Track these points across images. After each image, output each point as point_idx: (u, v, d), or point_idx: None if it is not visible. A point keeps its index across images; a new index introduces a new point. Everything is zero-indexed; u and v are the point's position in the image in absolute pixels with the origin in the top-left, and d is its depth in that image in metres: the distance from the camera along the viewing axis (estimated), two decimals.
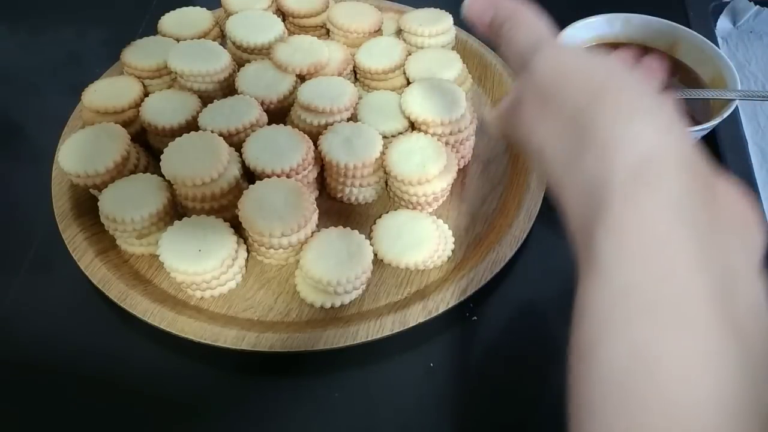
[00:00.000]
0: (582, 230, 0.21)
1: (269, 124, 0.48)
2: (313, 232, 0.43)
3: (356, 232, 0.44)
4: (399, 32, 0.58)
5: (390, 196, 0.50)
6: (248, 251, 0.46)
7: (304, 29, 0.59)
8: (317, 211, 0.44)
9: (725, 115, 0.47)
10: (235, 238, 0.43)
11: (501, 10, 0.29)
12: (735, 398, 0.17)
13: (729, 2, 0.68)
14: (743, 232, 0.21)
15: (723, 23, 0.68)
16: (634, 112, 0.21)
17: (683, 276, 0.18)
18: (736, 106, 0.49)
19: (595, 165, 0.21)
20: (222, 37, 0.59)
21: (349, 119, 0.49)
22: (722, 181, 0.23)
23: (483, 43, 0.62)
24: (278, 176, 0.44)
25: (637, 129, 0.21)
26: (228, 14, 0.57)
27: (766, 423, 0.17)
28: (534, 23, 0.28)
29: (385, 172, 0.48)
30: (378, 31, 0.57)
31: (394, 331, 0.40)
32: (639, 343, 0.18)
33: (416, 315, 0.41)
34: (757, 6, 0.68)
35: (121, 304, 0.41)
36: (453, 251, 0.46)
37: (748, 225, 0.22)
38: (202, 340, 0.40)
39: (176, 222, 0.43)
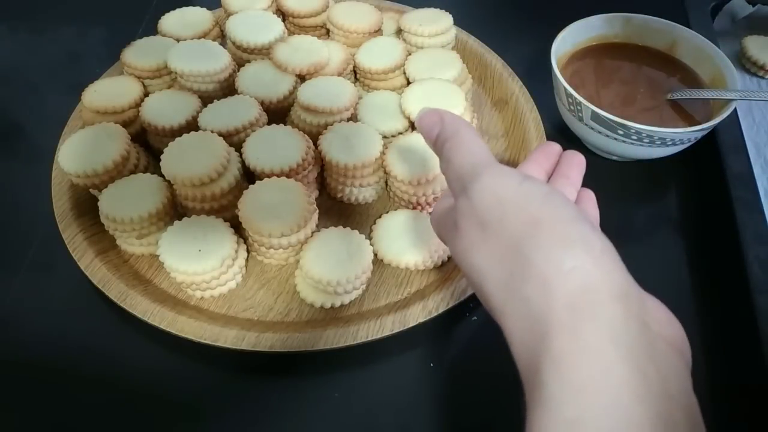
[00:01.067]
0: (526, 358, 0.22)
1: (269, 124, 0.48)
2: (312, 232, 0.43)
3: (356, 232, 0.44)
4: (399, 32, 0.58)
5: (390, 196, 0.50)
6: (248, 251, 0.46)
7: (304, 29, 0.59)
8: (317, 210, 0.44)
9: (725, 115, 0.47)
10: (235, 238, 0.43)
11: (445, 128, 0.29)
12: None
13: (727, 2, 0.69)
14: (676, 352, 0.23)
15: (720, 22, 0.68)
16: (569, 244, 0.22)
17: (626, 407, 0.19)
18: (736, 107, 0.49)
19: (535, 296, 0.22)
20: (222, 37, 0.59)
21: (349, 119, 0.49)
22: (652, 303, 0.24)
23: (483, 43, 0.62)
24: (278, 176, 0.44)
25: (571, 262, 0.22)
26: (228, 14, 0.57)
27: None
28: (474, 146, 0.27)
29: (385, 172, 0.48)
30: (378, 31, 0.57)
31: (394, 331, 0.40)
32: None
33: (416, 315, 0.41)
34: (756, 5, 0.68)
35: (121, 304, 0.41)
36: None
37: (679, 343, 0.23)
38: (202, 340, 0.40)
39: (176, 222, 0.43)
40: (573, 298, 0.21)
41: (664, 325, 0.23)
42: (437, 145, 0.29)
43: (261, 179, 0.45)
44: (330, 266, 0.41)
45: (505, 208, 0.24)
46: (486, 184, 0.25)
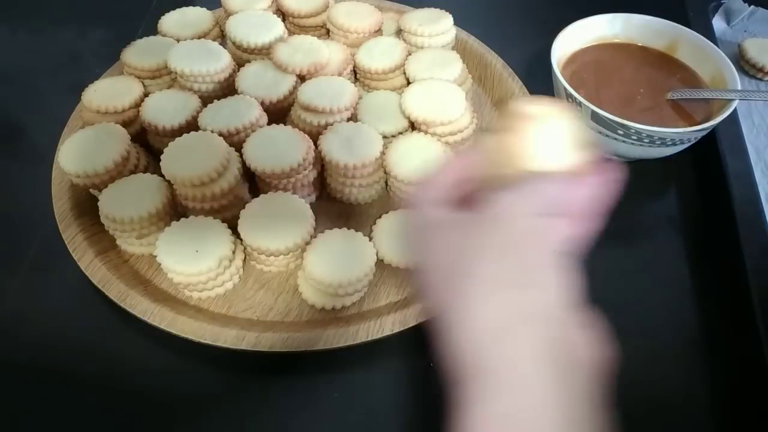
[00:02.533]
0: (458, 367, 0.26)
1: (269, 124, 0.48)
2: (312, 236, 0.43)
3: (359, 234, 0.44)
4: (399, 32, 0.58)
5: (390, 196, 0.50)
6: (245, 259, 0.46)
7: (304, 29, 0.59)
8: (314, 216, 0.44)
9: (725, 115, 0.47)
10: (232, 238, 0.43)
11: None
12: None
13: (726, 2, 0.69)
14: (592, 362, 0.26)
15: (717, 23, 0.68)
16: (513, 276, 0.26)
17: (543, 407, 0.24)
18: (736, 107, 0.49)
19: (470, 309, 0.26)
20: (222, 37, 0.59)
21: (349, 119, 0.49)
22: (575, 326, 0.27)
23: (483, 43, 0.62)
24: (278, 176, 0.44)
25: (504, 291, 0.26)
26: (228, 14, 0.57)
27: None
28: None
29: (385, 172, 0.48)
30: (378, 31, 0.57)
31: (394, 331, 0.40)
32: None
33: (416, 315, 0.41)
34: (752, 6, 0.68)
35: (121, 304, 0.41)
36: None
37: (595, 361, 0.26)
38: (202, 340, 0.40)
39: (174, 223, 0.43)
40: (505, 320, 0.25)
41: (581, 344, 0.26)
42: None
43: (261, 179, 0.45)
44: (333, 269, 0.41)
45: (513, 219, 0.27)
46: (509, 202, 0.28)
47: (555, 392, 0.24)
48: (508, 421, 0.24)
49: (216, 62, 0.51)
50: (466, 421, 0.25)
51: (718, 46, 0.53)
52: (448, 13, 0.57)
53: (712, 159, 0.52)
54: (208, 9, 0.60)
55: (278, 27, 0.55)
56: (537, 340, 0.25)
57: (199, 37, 0.56)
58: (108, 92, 0.50)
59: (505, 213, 0.28)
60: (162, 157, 0.43)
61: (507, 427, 0.24)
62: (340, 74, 0.53)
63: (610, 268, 0.47)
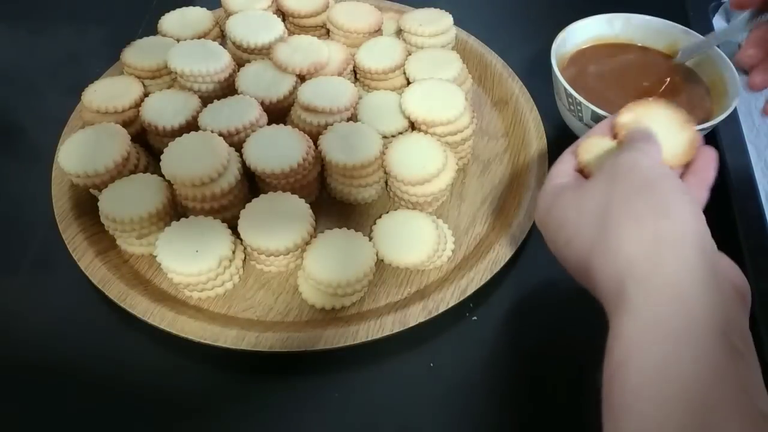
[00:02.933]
0: (612, 280, 0.28)
1: (269, 124, 0.48)
2: (312, 236, 0.43)
3: (359, 234, 0.44)
4: (399, 32, 0.58)
5: (390, 196, 0.50)
6: (245, 259, 0.46)
7: (304, 29, 0.59)
8: (314, 216, 0.44)
9: (725, 114, 0.47)
10: (232, 238, 0.43)
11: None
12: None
13: (726, 2, 0.69)
14: (738, 294, 0.28)
15: (717, 23, 0.68)
16: (670, 201, 0.30)
17: (696, 317, 0.25)
18: (736, 107, 0.49)
19: (629, 231, 0.29)
20: (222, 37, 0.59)
21: (349, 119, 0.49)
22: (725, 260, 0.30)
23: (483, 43, 0.62)
24: (278, 176, 0.44)
25: (670, 210, 0.29)
26: (228, 14, 0.57)
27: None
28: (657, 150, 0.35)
29: (385, 172, 0.48)
30: (378, 31, 0.57)
31: (394, 331, 0.40)
32: (663, 358, 0.25)
33: (416, 315, 0.41)
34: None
35: (121, 304, 0.41)
36: (453, 251, 0.46)
37: (743, 291, 0.29)
38: (202, 340, 0.40)
39: (173, 223, 0.43)
40: (664, 234, 0.28)
41: (732, 275, 0.29)
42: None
43: (261, 179, 0.44)
44: (333, 269, 0.41)
45: (633, 171, 0.31)
46: (633, 155, 0.33)
47: (710, 301, 0.26)
48: (662, 326, 0.25)
49: (216, 62, 0.51)
50: (622, 331, 0.26)
51: (718, 46, 0.53)
52: (448, 13, 0.57)
53: None
54: (208, 9, 0.60)
55: (278, 27, 0.55)
56: (688, 256, 0.27)
57: (199, 37, 0.56)
58: (108, 92, 0.50)
59: (633, 164, 0.32)
60: (162, 157, 0.43)
61: (661, 332, 0.25)
62: (340, 74, 0.53)
63: None
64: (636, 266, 0.27)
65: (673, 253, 0.27)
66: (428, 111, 0.48)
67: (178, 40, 0.54)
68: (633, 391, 0.25)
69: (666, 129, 0.37)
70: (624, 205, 0.30)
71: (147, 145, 0.51)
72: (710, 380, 0.24)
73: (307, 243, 0.43)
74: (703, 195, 0.37)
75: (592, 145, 0.38)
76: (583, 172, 0.38)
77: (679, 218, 0.28)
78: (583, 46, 0.57)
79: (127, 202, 0.43)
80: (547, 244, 0.36)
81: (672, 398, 0.24)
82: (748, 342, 0.26)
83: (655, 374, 0.25)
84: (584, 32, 0.56)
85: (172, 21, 0.57)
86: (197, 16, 0.58)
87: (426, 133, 0.48)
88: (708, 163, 0.37)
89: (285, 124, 0.48)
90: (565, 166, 0.38)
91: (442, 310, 0.41)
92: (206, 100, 0.49)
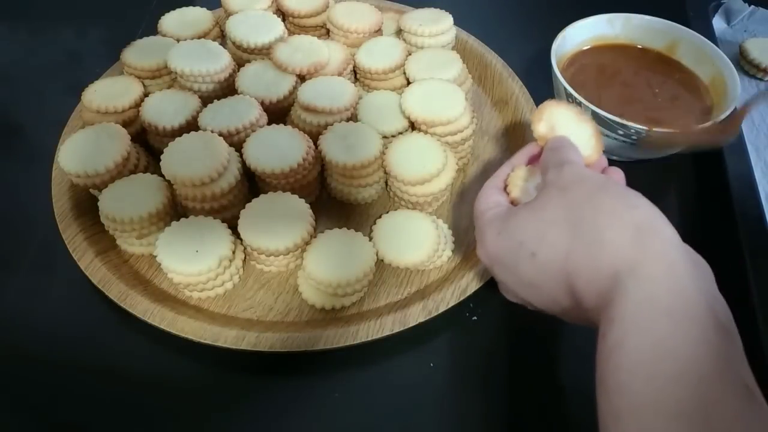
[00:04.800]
0: (597, 278, 0.29)
1: (269, 124, 0.48)
2: (312, 236, 0.43)
3: (359, 234, 0.44)
4: (399, 32, 0.58)
5: (390, 196, 0.50)
6: (245, 259, 0.46)
7: (304, 29, 0.59)
8: (314, 216, 0.44)
9: (725, 115, 0.47)
10: (232, 238, 0.43)
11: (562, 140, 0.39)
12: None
13: (726, 2, 0.69)
14: (706, 265, 0.30)
15: (717, 23, 0.68)
16: (631, 194, 0.31)
17: (689, 293, 0.26)
18: (736, 107, 0.49)
19: (606, 224, 0.30)
20: (222, 37, 0.59)
21: (349, 119, 0.49)
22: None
23: (483, 43, 0.62)
24: (278, 176, 0.44)
25: (636, 201, 0.31)
26: (228, 14, 0.57)
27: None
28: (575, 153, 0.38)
29: (385, 172, 0.48)
30: (378, 31, 0.57)
31: (394, 331, 0.40)
32: (659, 336, 0.25)
33: (416, 315, 0.41)
34: (752, 6, 0.68)
35: (121, 304, 0.41)
36: (453, 251, 0.46)
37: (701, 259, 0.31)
38: (202, 340, 0.40)
39: (173, 223, 0.43)
40: (640, 222, 0.29)
41: (693, 251, 0.31)
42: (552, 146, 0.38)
43: (261, 179, 0.44)
44: (333, 269, 0.41)
45: (584, 179, 0.33)
46: (575, 167, 0.35)
47: (696, 277, 0.27)
48: (656, 304, 0.26)
49: (216, 62, 0.51)
50: (615, 315, 0.27)
51: (718, 46, 0.53)
52: (448, 13, 0.57)
53: (712, 159, 0.52)
54: (208, 9, 0.60)
55: (278, 27, 0.55)
56: (669, 237, 0.28)
57: (199, 37, 0.56)
58: (108, 92, 0.50)
59: (577, 173, 0.33)
60: (162, 157, 0.43)
61: (656, 310, 0.26)
62: (340, 74, 0.53)
63: None
64: (624, 254, 0.28)
65: (655, 237, 0.28)
66: (428, 111, 0.48)
67: (178, 40, 0.54)
68: (629, 370, 0.25)
69: (573, 127, 0.40)
70: (590, 205, 0.31)
71: (147, 145, 0.51)
72: (705, 356, 0.24)
73: (307, 243, 0.43)
74: None
75: (516, 179, 0.40)
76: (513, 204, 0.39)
77: (646, 207, 0.30)
78: (584, 47, 0.57)
79: (127, 202, 0.43)
80: (501, 278, 0.35)
81: (669, 375, 0.24)
82: (728, 314, 0.27)
83: (651, 352, 0.25)
84: (584, 32, 0.56)
85: (172, 21, 0.57)
86: (197, 16, 0.58)
87: (426, 133, 0.48)
88: (618, 176, 0.39)
89: (285, 124, 0.48)
90: (496, 197, 0.38)
91: (442, 310, 0.41)
92: (206, 100, 0.49)
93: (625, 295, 0.27)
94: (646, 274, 0.27)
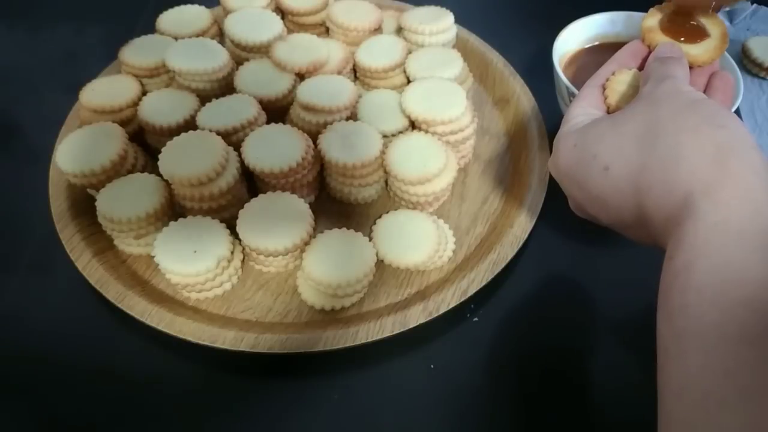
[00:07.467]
0: (668, 197, 0.28)
1: (268, 123, 0.48)
2: (312, 236, 0.43)
3: (359, 234, 0.43)
4: (399, 30, 0.57)
5: (390, 196, 0.50)
6: (244, 260, 0.45)
7: (303, 27, 0.58)
8: (313, 216, 0.43)
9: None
10: (231, 239, 0.43)
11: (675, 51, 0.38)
12: None
13: None
14: None
15: None
16: (721, 112, 0.30)
17: (766, 218, 0.25)
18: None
19: (687, 140, 0.28)
20: (220, 36, 0.58)
21: (348, 118, 0.49)
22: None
23: (484, 41, 0.61)
24: (278, 176, 0.44)
25: (722, 121, 0.29)
26: (227, 12, 0.57)
27: None
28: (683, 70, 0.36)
29: (385, 172, 0.47)
30: (378, 30, 0.57)
31: (394, 332, 0.40)
32: (731, 261, 0.24)
33: (416, 316, 0.41)
34: (754, 4, 0.68)
35: (119, 305, 0.41)
36: (453, 251, 0.46)
37: None
38: (201, 341, 0.39)
39: (171, 223, 0.43)
40: (723, 142, 0.28)
41: None
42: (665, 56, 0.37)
43: (260, 179, 0.44)
44: (333, 269, 0.41)
45: (677, 95, 0.32)
46: (676, 82, 0.33)
47: None
48: (729, 228, 0.25)
49: (214, 61, 0.50)
50: (686, 237, 0.26)
51: None
52: (448, 11, 0.56)
53: None
54: (207, 7, 0.59)
55: (277, 25, 0.54)
56: (753, 159, 0.27)
57: (198, 36, 0.55)
58: (106, 91, 0.50)
59: (674, 89, 0.32)
60: (160, 156, 0.43)
61: (729, 234, 0.25)
62: (339, 73, 0.53)
63: (609, 268, 0.46)
64: (701, 174, 0.27)
65: (737, 158, 0.27)
66: (429, 110, 0.47)
67: (176, 39, 0.54)
68: (697, 291, 0.25)
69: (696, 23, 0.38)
70: (674, 121, 0.29)
71: (145, 144, 0.50)
72: None
73: (307, 243, 0.43)
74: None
75: (617, 83, 0.37)
76: (609, 111, 0.37)
77: (734, 127, 0.28)
78: (585, 45, 0.56)
79: (124, 201, 0.42)
80: (568, 192, 0.34)
81: (738, 298, 0.24)
82: None
83: (721, 275, 0.24)
84: (586, 30, 0.56)
85: (170, 19, 0.57)
86: (195, 14, 0.58)
87: (426, 132, 0.48)
88: (725, 84, 0.38)
89: (284, 123, 0.47)
90: (588, 108, 0.37)
91: (442, 311, 0.41)
92: (204, 98, 0.49)
93: (698, 217, 0.26)
94: (720, 197, 0.26)
